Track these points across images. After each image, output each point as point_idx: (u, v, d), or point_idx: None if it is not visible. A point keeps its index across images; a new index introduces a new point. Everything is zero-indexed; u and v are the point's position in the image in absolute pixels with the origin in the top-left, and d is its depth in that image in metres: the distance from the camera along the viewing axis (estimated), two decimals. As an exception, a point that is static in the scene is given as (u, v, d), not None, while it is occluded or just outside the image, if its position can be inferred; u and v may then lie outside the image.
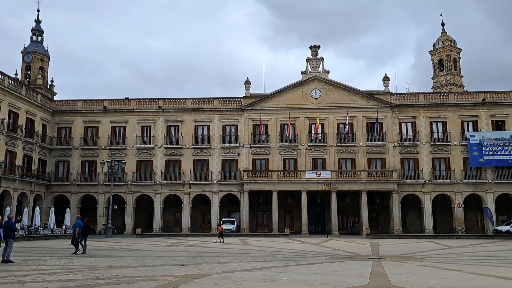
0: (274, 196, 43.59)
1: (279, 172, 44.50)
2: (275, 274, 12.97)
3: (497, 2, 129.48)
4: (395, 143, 45.08)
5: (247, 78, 47.85)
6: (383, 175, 43.76)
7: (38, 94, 46.26)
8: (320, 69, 47.22)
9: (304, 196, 43.29)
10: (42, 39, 63.71)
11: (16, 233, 17.55)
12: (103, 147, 46.74)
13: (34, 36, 63.05)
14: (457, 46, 73.36)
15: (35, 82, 59.20)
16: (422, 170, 44.46)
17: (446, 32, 73.98)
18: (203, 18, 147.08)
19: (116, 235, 40.85)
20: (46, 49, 63.50)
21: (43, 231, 37.96)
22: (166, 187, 46.00)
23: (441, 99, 46.61)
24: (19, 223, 34.36)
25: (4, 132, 39.08)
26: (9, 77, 41.02)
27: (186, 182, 45.73)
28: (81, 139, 47.15)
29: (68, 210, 42.62)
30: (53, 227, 39.66)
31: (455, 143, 44.60)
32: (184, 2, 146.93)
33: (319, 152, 45.55)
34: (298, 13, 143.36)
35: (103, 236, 39.16)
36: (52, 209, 41.64)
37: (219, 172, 45.85)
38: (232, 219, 45.26)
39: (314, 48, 47.96)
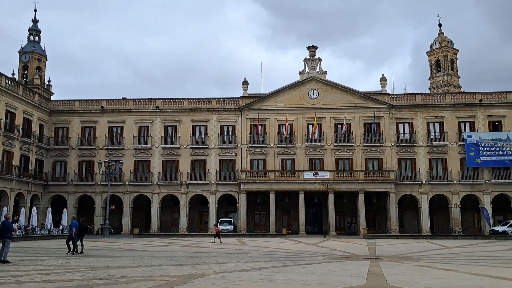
0: (272, 196, 43.62)
1: (276, 172, 44.53)
2: (273, 274, 12.99)
3: (494, 3, 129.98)
4: (392, 144, 45.18)
5: (245, 78, 48.03)
6: (380, 175, 43.84)
7: (35, 94, 46.17)
8: (317, 69, 47.28)
9: (301, 196, 43.33)
10: (39, 39, 63.54)
11: (13, 233, 17.54)
12: (101, 147, 46.68)
13: (31, 36, 62.86)
14: (454, 47, 73.56)
15: (32, 82, 59.04)
16: (419, 171, 44.57)
17: (443, 33, 74.18)
18: (201, 18, 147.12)
19: (114, 235, 40.80)
20: (43, 49, 63.35)
21: (40, 231, 37.89)
22: (164, 187, 45.97)
23: (438, 100, 46.72)
24: (16, 223, 34.31)
25: (1, 132, 38.98)
26: (6, 77, 40.95)
27: (184, 182, 45.71)
28: (78, 139, 47.08)
29: (65, 210, 42.57)
30: (50, 227, 39.60)
31: (452, 143, 44.72)
32: (182, 2, 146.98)
33: (317, 152, 45.61)
34: (295, 13, 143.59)
35: (101, 236, 39.11)
36: (49, 209, 41.62)
37: (216, 172, 45.85)
38: (230, 219, 45.24)
39: (312, 49, 48.02)
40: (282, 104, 46.55)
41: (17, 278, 11.77)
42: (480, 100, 45.39)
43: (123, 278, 12.02)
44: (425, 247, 26.85)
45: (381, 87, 47.07)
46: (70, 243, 20.45)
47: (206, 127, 46.97)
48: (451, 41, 73.61)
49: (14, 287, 10.30)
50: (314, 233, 44.79)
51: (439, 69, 72.94)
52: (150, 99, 48.36)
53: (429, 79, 74.78)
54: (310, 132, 45.61)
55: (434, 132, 45.37)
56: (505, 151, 43.35)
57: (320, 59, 47.69)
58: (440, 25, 74.78)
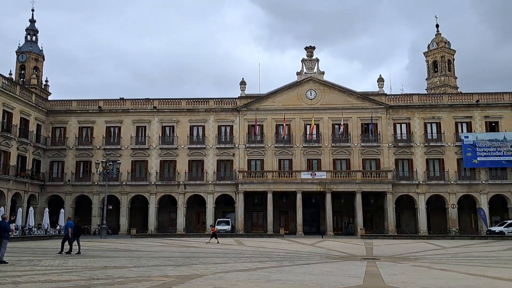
0: (269, 197, 43.64)
1: (274, 173, 44.56)
2: (270, 275, 13.00)
3: (491, 4, 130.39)
4: (390, 144, 45.26)
5: (242, 78, 47.94)
6: (377, 175, 43.91)
7: (33, 94, 46.07)
8: (315, 70, 47.34)
9: (299, 197, 43.36)
10: (36, 38, 63.45)
11: (10, 233, 17.50)
12: (98, 147, 46.61)
13: (28, 36, 62.77)
14: (451, 48, 73.68)
15: (29, 82, 58.95)
16: (416, 171, 44.66)
17: (441, 34, 74.32)
18: (199, 18, 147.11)
19: (111, 236, 40.74)
20: (40, 48, 63.25)
21: (37, 232, 37.79)
22: (161, 187, 45.93)
23: (435, 100, 46.83)
24: (13, 224, 34.22)
25: (-2, 132, 38.90)
26: (3, 76, 40.85)
27: (181, 182, 45.68)
28: (75, 139, 47.00)
29: (62, 210, 42.47)
30: (47, 228, 39.48)
31: (449, 144, 44.83)
32: (180, 2, 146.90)
33: (314, 152, 45.65)
34: (293, 14, 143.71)
35: (98, 237, 39.04)
36: (46, 209, 41.49)
37: (214, 172, 45.84)
38: (227, 219, 45.22)
39: (309, 49, 48.07)
40: (279, 104, 46.58)
41: (14, 279, 11.75)
42: (477, 100, 45.52)
43: (120, 278, 12.01)
44: (422, 248, 26.90)
45: (379, 87, 47.16)
46: (66, 243, 20.41)
47: (203, 127, 46.95)
48: (448, 41, 73.75)
49: (11, 288, 10.28)
50: (311, 233, 44.83)
51: (436, 69, 73.09)
52: (148, 99, 48.32)
53: (426, 79, 74.92)
54: (308, 133, 45.65)
55: (431, 132, 45.47)
56: (502, 152, 43.49)
57: (317, 60, 47.74)
58: (437, 25, 74.96)
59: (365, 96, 46.52)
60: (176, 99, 48.10)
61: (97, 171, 43.39)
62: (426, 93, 66.12)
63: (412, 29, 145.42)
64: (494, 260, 18.85)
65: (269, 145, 45.84)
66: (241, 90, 47.59)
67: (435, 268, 15.16)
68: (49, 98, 56.75)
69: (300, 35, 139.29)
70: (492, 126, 45.27)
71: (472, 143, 43.89)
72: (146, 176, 46.01)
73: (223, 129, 47.05)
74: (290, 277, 12.59)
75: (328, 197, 43.21)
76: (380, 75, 47.67)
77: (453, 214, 43.86)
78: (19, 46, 62.05)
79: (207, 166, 46.04)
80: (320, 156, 45.51)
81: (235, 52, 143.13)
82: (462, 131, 45.04)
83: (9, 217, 29.62)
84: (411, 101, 46.52)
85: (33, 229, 37.91)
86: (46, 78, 64.29)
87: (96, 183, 45.52)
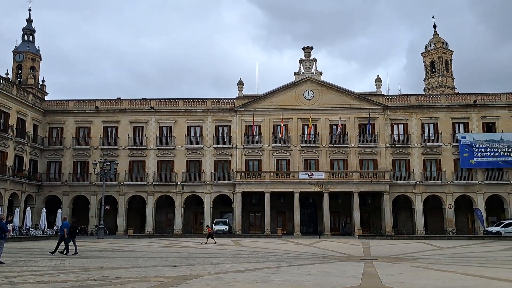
0: (267, 197, 43.65)
1: (271, 173, 44.57)
2: (268, 275, 13.00)
3: (489, 5, 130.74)
4: (387, 144, 45.32)
5: (240, 79, 47.91)
6: (374, 176, 43.98)
7: (29, 94, 45.95)
8: (313, 70, 47.36)
9: (296, 197, 43.38)
10: (33, 38, 63.35)
11: (7, 233, 17.46)
12: (95, 147, 46.53)
13: (25, 36, 62.67)
14: (448, 48, 73.88)
15: (26, 82, 58.84)
16: (413, 171, 44.74)
17: (438, 34, 74.49)
18: (197, 18, 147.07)
19: (108, 236, 40.68)
20: (37, 48, 63.15)
21: (34, 232, 37.73)
22: (159, 187, 45.88)
23: (433, 101, 46.91)
24: (10, 224, 34.14)
25: (-6, 132, 38.79)
26: (0, 76, 40.72)
27: (179, 182, 45.64)
28: (73, 139, 46.89)
29: (59, 210, 42.31)
30: (44, 228, 39.43)
31: (446, 144, 44.92)
32: (178, 2, 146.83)
33: (312, 153, 45.68)
34: (291, 14, 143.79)
35: (95, 237, 38.98)
36: (44, 209, 41.43)
37: (211, 172, 45.81)
38: (225, 220, 45.22)
39: (307, 49, 48.10)
40: (277, 104, 46.59)
41: (10, 279, 11.72)
42: (474, 101, 45.63)
43: (117, 279, 11.99)
44: (419, 248, 26.95)
45: (376, 88, 47.20)
46: (62, 243, 20.35)
47: (201, 127, 46.92)
48: (446, 42, 73.94)
49: (8, 288, 10.25)
50: (309, 233, 44.85)
51: (433, 70, 73.26)
52: (145, 99, 48.26)
53: (423, 80, 75.09)
54: (305, 133, 45.68)
55: (429, 133, 45.55)
56: (499, 152, 43.60)
57: (315, 60, 47.78)
58: (435, 26, 75.15)
59: (362, 97, 46.58)
60: (173, 99, 48.04)
61: (94, 172, 43.27)
62: (424, 93, 66.25)
63: (410, 29, 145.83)
64: (491, 261, 18.90)
65: (267, 146, 45.84)
66: (239, 90, 47.58)
67: (432, 269, 15.20)
68: (46, 98, 56.69)
69: (298, 35, 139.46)
70: (489, 127, 45.38)
71: (469, 143, 43.99)
72: (144, 177, 45.95)
73: (220, 129, 47.03)
74: (287, 277, 12.60)
75: (326, 197, 43.24)
76: (378, 75, 47.70)
77: (450, 215, 43.95)
78: (16, 46, 61.95)
79: (204, 167, 46.02)
80: (317, 156, 45.54)
81: (233, 52, 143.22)
82: (459, 132, 45.13)
83: (6, 218, 29.54)
84: (408, 102, 46.60)
85: (30, 229, 37.86)
86: (43, 78, 64.27)
87: (93, 184, 45.43)
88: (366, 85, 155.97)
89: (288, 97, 46.74)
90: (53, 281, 11.43)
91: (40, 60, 63.24)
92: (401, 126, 45.99)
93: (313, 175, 43.81)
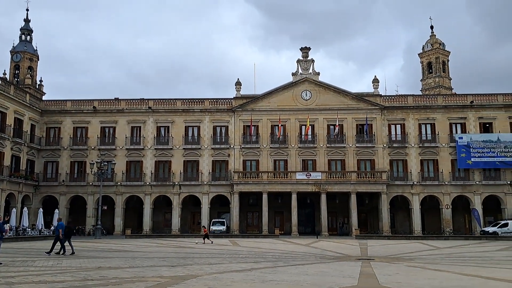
0: (264, 197, 43.66)
1: (269, 173, 44.58)
2: (265, 275, 13.01)
3: (486, 6, 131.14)
4: (384, 145, 45.40)
5: (238, 79, 47.90)
6: (372, 176, 44.04)
7: (27, 94, 45.85)
8: (310, 70, 47.40)
9: (294, 197, 43.40)
10: (31, 38, 63.18)
11: (4, 234, 17.43)
12: (93, 147, 46.45)
13: (23, 36, 62.48)
14: (446, 49, 74.06)
15: (23, 82, 58.69)
16: (410, 172, 44.82)
17: (435, 35, 74.69)
18: (195, 18, 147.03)
19: (106, 236, 40.63)
20: (35, 48, 62.99)
21: (31, 232, 37.61)
22: (156, 188, 45.83)
23: (430, 101, 47.02)
24: (7, 224, 34.03)
25: (-9, 132, 38.69)
26: (-3, 76, 40.66)
27: (176, 183, 45.60)
28: (70, 140, 46.80)
29: (56, 210, 42.27)
30: (41, 228, 39.32)
31: (443, 144, 45.03)
32: (176, 2, 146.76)
33: (309, 153, 45.71)
34: (289, 14, 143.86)
35: (92, 237, 38.88)
36: (41, 209, 41.33)
37: (209, 173, 45.79)
38: (222, 220, 45.21)
39: (305, 50, 48.13)
40: (275, 105, 46.62)
41: (7, 279, 11.69)
42: (471, 101, 45.75)
43: (114, 279, 11.99)
44: (416, 248, 27.01)
45: (374, 88, 47.28)
46: (58, 244, 20.30)
47: (199, 127, 46.90)
48: (443, 43, 74.13)
49: (5, 288, 10.23)
50: (306, 233, 44.90)
51: (430, 71, 73.43)
52: (143, 99, 48.21)
53: (421, 80, 75.26)
54: (303, 133, 45.71)
55: (426, 133, 45.65)
56: (496, 153, 43.74)
57: (313, 60, 47.82)
58: (432, 27, 75.35)
59: (360, 97, 46.65)
60: (171, 99, 48.01)
61: (91, 172, 43.20)
62: (421, 94, 66.40)
63: (407, 30, 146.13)
64: (488, 261, 18.95)
65: (264, 146, 45.86)
66: (237, 91, 47.58)
67: (429, 269, 15.23)
68: (44, 98, 56.52)
69: (296, 36, 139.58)
70: (486, 127, 45.52)
71: (466, 144, 44.11)
72: (141, 177, 45.89)
73: (218, 129, 47.02)
74: (285, 277, 12.61)
75: (323, 197, 43.28)
76: (375, 76, 47.78)
77: (447, 215, 44.05)
78: (13, 46, 61.75)
79: (202, 167, 46.00)
80: (315, 156, 45.57)
81: (231, 52, 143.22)
82: (456, 132, 45.24)
83: (3, 218, 29.45)
84: (405, 102, 46.70)
85: (27, 229, 37.74)
86: (41, 78, 64.07)
87: (90, 184, 45.35)
88: (363, 86, 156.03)
89: (286, 98, 46.77)
90: (50, 281, 11.41)
91: (38, 60, 63.10)
92: (398, 127, 46.08)
93: (310, 175, 43.84)
